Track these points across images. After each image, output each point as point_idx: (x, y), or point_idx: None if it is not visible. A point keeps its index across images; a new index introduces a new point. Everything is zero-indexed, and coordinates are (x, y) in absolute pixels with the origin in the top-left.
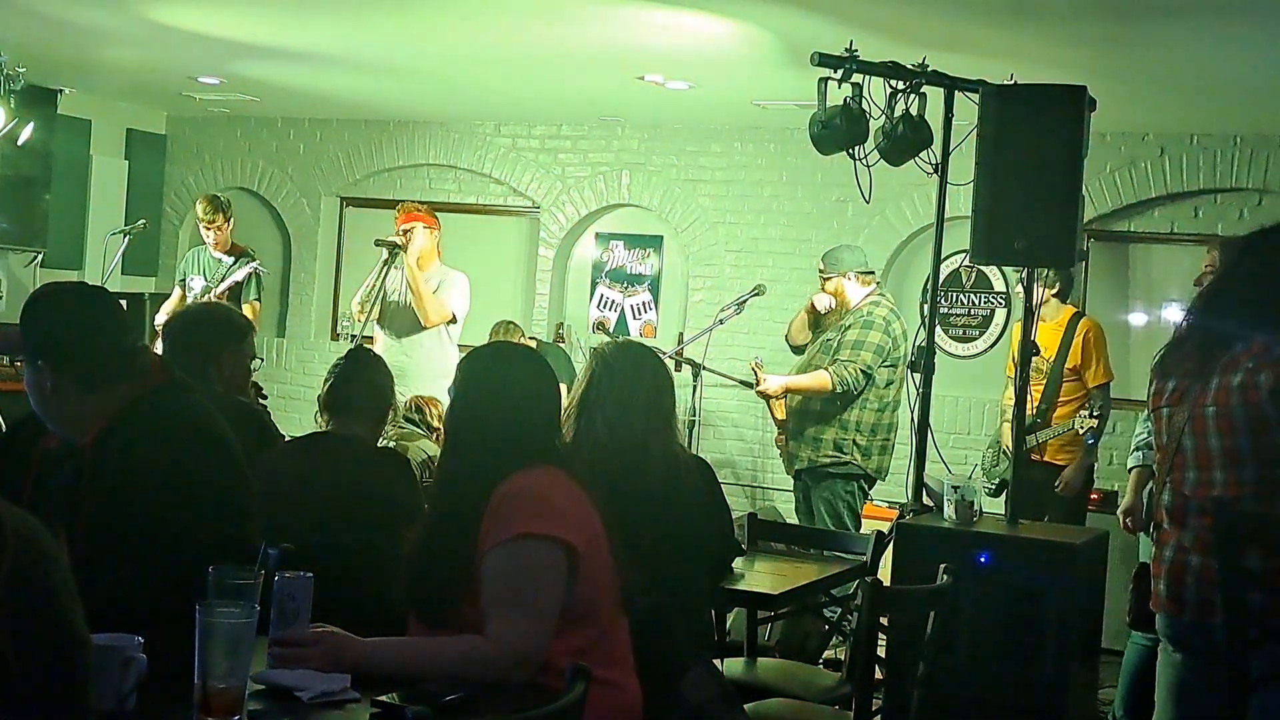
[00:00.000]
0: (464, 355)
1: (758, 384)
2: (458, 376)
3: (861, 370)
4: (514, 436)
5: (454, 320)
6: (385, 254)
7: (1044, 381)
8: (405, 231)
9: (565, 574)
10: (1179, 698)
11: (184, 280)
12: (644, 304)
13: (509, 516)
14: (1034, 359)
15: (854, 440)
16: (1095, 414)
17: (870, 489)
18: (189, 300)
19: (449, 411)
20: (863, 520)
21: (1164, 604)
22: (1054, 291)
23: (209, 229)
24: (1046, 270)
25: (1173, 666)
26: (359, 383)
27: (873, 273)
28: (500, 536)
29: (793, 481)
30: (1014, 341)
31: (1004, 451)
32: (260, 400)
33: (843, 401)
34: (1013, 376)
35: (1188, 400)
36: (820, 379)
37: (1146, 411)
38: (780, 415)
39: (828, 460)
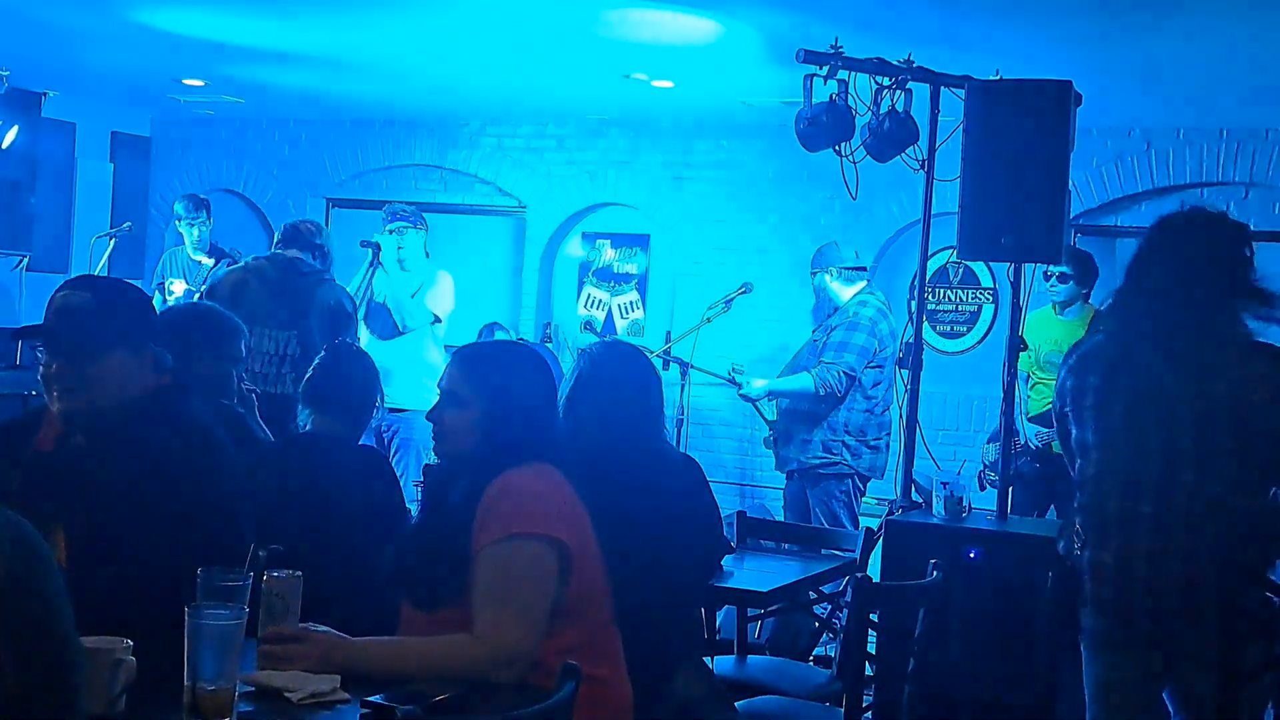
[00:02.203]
0: (458, 350)
1: (740, 389)
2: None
3: (844, 373)
4: (508, 433)
5: (438, 320)
6: (370, 255)
7: None
8: (389, 231)
9: (557, 572)
10: (1120, 687)
11: (162, 283)
12: (631, 303)
13: (502, 514)
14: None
15: (842, 441)
16: None
17: (865, 487)
18: (168, 301)
19: (441, 406)
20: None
21: (1109, 606)
22: (1086, 291)
23: (192, 226)
24: (1060, 272)
25: (1107, 664)
26: (338, 376)
27: (862, 269)
28: (493, 534)
29: (785, 480)
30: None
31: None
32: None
33: (828, 403)
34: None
35: (1142, 405)
36: (802, 382)
37: (1061, 406)
38: (769, 417)
39: (818, 462)
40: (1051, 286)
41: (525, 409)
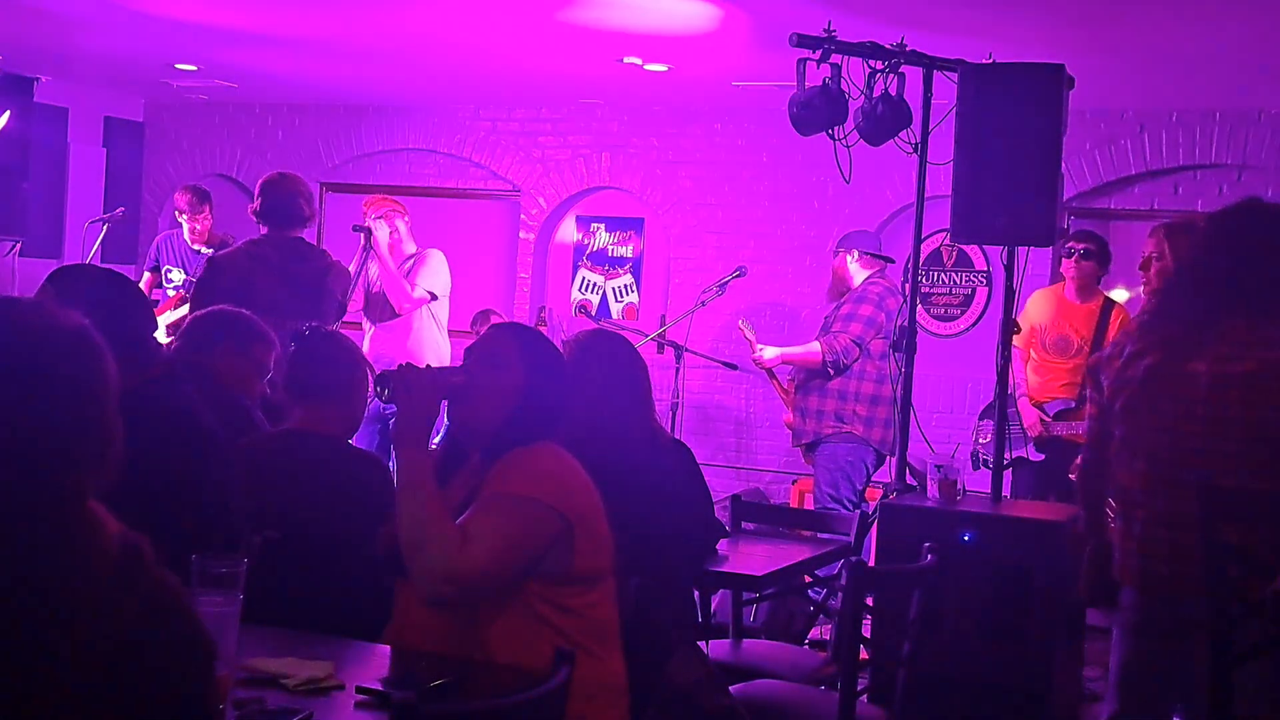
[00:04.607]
0: (495, 324)
1: (754, 353)
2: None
3: (852, 340)
4: (541, 403)
5: (434, 298)
6: (362, 240)
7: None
8: (376, 218)
9: (550, 537)
10: (1145, 675)
11: (158, 267)
12: (626, 287)
13: (512, 479)
14: (1068, 341)
15: (854, 410)
16: None
17: (878, 464)
18: (167, 289)
19: (471, 368)
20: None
21: (1135, 578)
22: (1103, 274)
23: (194, 219)
24: (1085, 248)
25: (1137, 643)
26: (315, 364)
27: (882, 258)
28: (501, 490)
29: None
30: (1024, 318)
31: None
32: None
33: (837, 372)
34: (1032, 354)
35: (1167, 371)
36: (811, 348)
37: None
38: (787, 389)
39: (830, 431)
40: (1077, 262)
41: (560, 383)
